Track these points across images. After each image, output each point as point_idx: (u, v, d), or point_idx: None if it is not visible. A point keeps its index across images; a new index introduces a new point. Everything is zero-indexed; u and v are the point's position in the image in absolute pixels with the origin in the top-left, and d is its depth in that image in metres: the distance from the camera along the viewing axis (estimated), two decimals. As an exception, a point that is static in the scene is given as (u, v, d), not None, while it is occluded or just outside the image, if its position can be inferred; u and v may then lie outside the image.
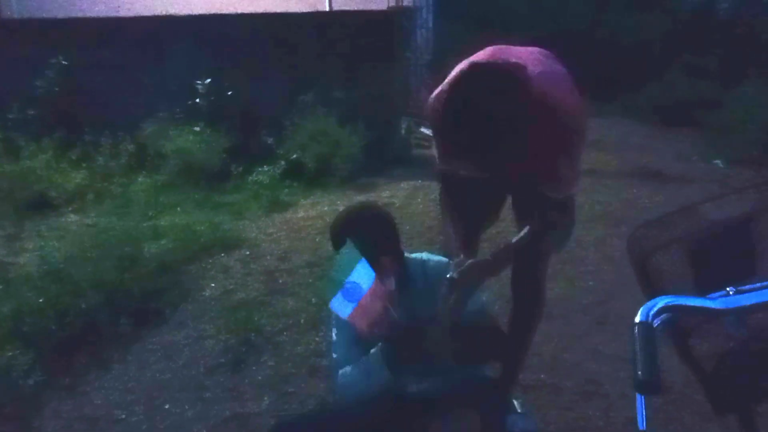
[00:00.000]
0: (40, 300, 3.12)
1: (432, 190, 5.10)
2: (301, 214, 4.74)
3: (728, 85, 7.19)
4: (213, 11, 6.30)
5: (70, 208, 4.98)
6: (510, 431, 1.74)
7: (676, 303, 0.91)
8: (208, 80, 5.93)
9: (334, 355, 1.67)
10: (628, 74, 8.14)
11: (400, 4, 6.45)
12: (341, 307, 1.48)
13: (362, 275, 1.48)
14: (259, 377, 2.68)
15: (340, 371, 1.62)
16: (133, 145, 5.77)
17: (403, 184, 5.35)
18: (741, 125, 5.97)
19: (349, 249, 1.49)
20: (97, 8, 6.82)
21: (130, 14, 6.45)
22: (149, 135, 5.81)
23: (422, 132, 6.49)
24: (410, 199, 4.98)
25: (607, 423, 2.25)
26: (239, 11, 6.25)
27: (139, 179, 5.46)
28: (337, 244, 1.59)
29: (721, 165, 5.70)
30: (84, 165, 5.61)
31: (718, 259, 1.04)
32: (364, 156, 5.54)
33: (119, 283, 3.33)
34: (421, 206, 4.77)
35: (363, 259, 1.48)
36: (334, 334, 1.68)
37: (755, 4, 9.04)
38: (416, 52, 7.37)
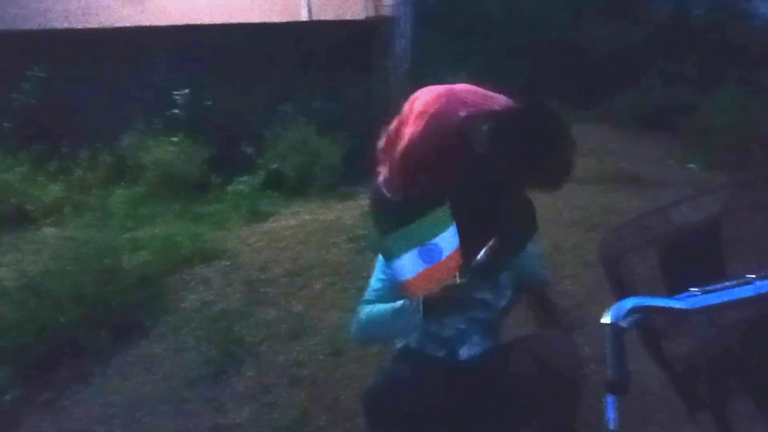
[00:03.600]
0: (18, 314, 3.08)
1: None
2: (281, 223, 4.73)
3: (703, 90, 7.33)
4: (191, 22, 6.28)
5: (47, 221, 4.92)
6: None
7: (644, 304, 0.94)
8: (187, 91, 5.91)
9: (368, 295, 1.75)
10: (605, 81, 8.26)
11: (379, 13, 6.48)
12: (411, 263, 1.49)
13: (447, 241, 1.50)
14: (240, 388, 2.66)
15: (368, 307, 1.70)
16: (111, 157, 5.72)
17: (384, 193, 5.36)
18: (715, 129, 6.09)
19: (443, 212, 1.51)
20: (74, 20, 6.78)
21: (108, 26, 6.41)
22: (127, 146, 5.76)
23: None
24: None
25: (582, 425, 2.27)
26: (217, 22, 6.23)
27: (118, 191, 5.41)
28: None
29: (695, 169, 5.80)
30: (62, 177, 5.54)
31: (688, 260, 1.07)
32: (345, 165, 5.54)
33: (99, 296, 3.29)
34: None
35: (454, 225, 1.51)
36: (376, 279, 1.76)
37: (728, 10, 9.26)
38: (395, 61, 7.41)
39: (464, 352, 1.80)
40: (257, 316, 3.26)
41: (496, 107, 1.75)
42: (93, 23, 6.35)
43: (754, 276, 0.93)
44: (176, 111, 5.90)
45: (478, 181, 1.66)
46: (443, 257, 1.50)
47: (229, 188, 5.45)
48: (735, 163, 5.50)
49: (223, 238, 4.44)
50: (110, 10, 6.41)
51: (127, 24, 6.31)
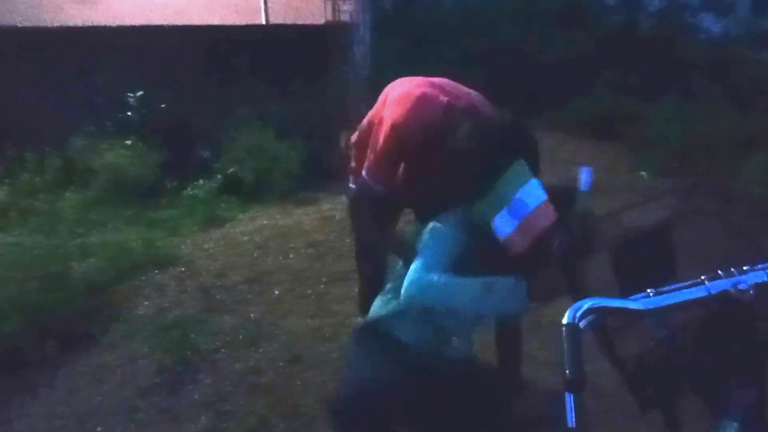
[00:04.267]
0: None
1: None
2: (239, 228, 4.66)
3: (649, 100, 7.58)
4: (146, 23, 6.14)
5: (-9, 227, 4.72)
6: None
7: (600, 305, 0.95)
8: (141, 93, 5.77)
9: (434, 264, 1.59)
10: (554, 89, 8.44)
11: (338, 19, 6.48)
12: (504, 223, 1.50)
13: (531, 195, 1.51)
14: (196, 396, 2.61)
15: (445, 275, 1.56)
16: (60, 160, 5.53)
17: (343, 198, 5.34)
18: (661, 138, 6.31)
19: (519, 166, 1.52)
20: (19, 18, 6.54)
21: (56, 24, 6.20)
22: (77, 150, 5.58)
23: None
24: (349, 213, 4.99)
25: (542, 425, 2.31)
26: (172, 23, 6.12)
27: (67, 195, 5.24)
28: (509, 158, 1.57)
29: (646, 177, 5.99)
30: (7, 181, 5.33)
31: (640, 262, 1.10)
32: (303, 170, 5.51)
33: (44, 304, 3.17)
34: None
35: (535, 179, 1.52)
36: (430, 244, 1.64)
37: (675, 23, 9.61)
38: (353, 67, 7.42)
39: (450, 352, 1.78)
40: (214, 324, 3.20)
41: (475, 104, 1.78)
42: (40, 21, 6.15)
43: (704, 277, 0.96)
44: (129, 114, 5.75)
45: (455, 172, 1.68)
46: (530, 211, 1.51)
47: (185, 193, 5.33)
48: (681, 171, 5.71)
49: (178, 244, 4.34)
50: (59, 9, 6.22)
51: (78, 23, 6.13)
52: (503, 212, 1.52)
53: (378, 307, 1.77)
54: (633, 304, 0.96)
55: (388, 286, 1.77)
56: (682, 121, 6.51)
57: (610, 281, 1.12)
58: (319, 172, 5.71)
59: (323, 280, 3.71)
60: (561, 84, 8.55)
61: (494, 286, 1.56)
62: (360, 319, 1.74)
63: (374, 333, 1.76)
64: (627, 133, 7.14)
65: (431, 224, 1.67)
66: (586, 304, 0.94)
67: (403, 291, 1.58)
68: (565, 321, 0.93)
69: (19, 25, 6.13)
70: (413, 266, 1.59)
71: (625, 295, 1.02)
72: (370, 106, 2.10)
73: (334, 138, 6.32)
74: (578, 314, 0.93)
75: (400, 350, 1.72)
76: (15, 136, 5.63)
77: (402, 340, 1.72)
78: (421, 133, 1.79)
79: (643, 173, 6.05)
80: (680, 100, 7.18)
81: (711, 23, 9.77)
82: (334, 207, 5.12)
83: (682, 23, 9.68)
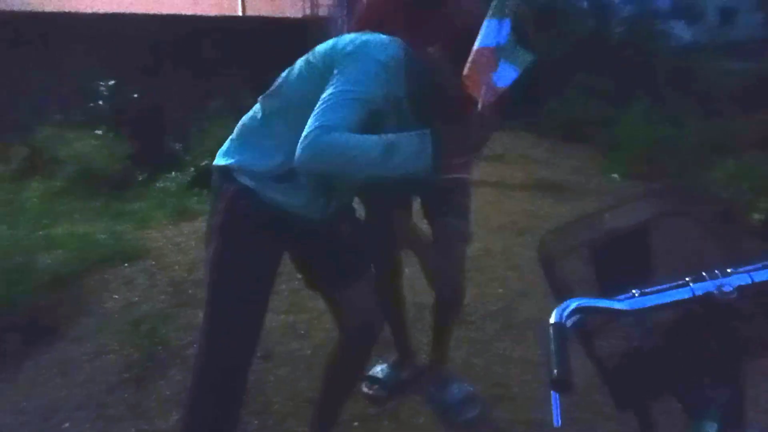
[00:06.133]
0: None
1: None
2: (210, 223, 4.58)
3: (619, 104, 7.73)
4: (118, 10, 6.01)
5: (-49, 217, 4.56)
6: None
7: (587, 305, 0.96)
8: (112, 82, 5.65)
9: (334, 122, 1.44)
10: (528, 91, 8.55)
11: (316, 14, 6.44)
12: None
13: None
14: (166, 392, 2.55)
15: (344, 133, 1.43)
16: (25, 149, 5.38)
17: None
18: (631, 142, 6.43)
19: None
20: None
21: (22, 9, 6.02)
22: (44, 138, 5.43)
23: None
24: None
25: (515, 423, 2.33)
26: (145, 11, 6.00)
27: (32, 185, 5.09)
28: None
29: (617, 179, 6.10)
30: (-32, 170, 5.17)
31: (620, 263, 1.11)
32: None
33: (6, 296, 3.07)
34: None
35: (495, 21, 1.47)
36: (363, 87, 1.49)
37: (645, 29, 9.80)
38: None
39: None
40: (184, 318, 3.14)
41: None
42: (5, 5, 5.97)
43: (689, 279, 0.97)
44: (100, 103, 5.62)
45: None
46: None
47: (156, 185, 5.24)
48: (650, 174, 5.83)
49: (147, 237, 4.26)
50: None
51: (48, 9, 5.97)
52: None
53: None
54: (619, 304, 0.97)
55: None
56: (652, 125, 6.64)
57: (589, 281, 1.13)
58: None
59: (296, 275, 3.67)
60: (533, 86, 8.65)
61: (398, 145, 1.45)
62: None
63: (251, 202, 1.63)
64: (598, 136, 7.27)
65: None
66: (573, 303, 0.95)
67: (298, 153, 1.44)
68: (552, 320, 0.93)
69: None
70: (311, 124, 1.44)
71: (605, 295, 1.03)
72: None
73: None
74: (565, 313, 0.94)
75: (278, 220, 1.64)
76: (-22, 123, 5.46)
77: (282, 205, 1.63)
78: None
79: (615, 175, 6.16)
80: (650, 105, 7.32)
81: (681, 30, 9.99)
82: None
83: (653, 30, 9.88)
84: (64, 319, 3.15)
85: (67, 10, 5.99)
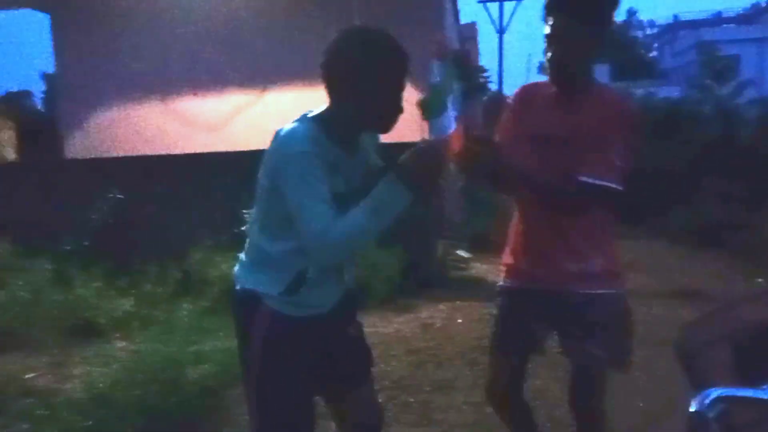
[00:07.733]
0: (86, 424, 3.15)
1: (471, 310, 5.11)
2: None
3: (752, 209, 7.34)
4: (256, 147, 6.75)
5: (116, 335, 5.10)
6: None
7: (729, 394, 0.94)
8: (253, 210, 6.22)
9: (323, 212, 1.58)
10: (654, 198, 8.32)
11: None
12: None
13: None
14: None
15: (340, 219, 1.57)
16: (179, 272, 5.98)
17: (442, 306, 5.38)
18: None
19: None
20: (150, 146, 7.43)
21: (181, 152, 6.99)
22: (195, 262, 6.03)
23: (458, 254, 6.60)
24: (449, 320, 5.00)
25: None
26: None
27: (184, 305, 5.59)
28: None
29: (764, 284, 5.64)
30: (132, 292, 5.79)
31: (763, 353, 1.08)
32: (402, 277, 5.64)
33: (162, 406, 3.34)
34: (461, 327, 4.78)
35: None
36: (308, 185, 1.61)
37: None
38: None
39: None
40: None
41: None
42: (169, 150, 6.95)
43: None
44: (243, 229, 6.19)
45: None
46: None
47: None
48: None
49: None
50: (187, 138, 7.01)
51: (199, 150, 6.87)
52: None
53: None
54: (765, 394, 0.94)
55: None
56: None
57: (734, 372, 1.10)
58: (416, 280, 5.82)
59: (425, 388, 3.68)
60: (660, 193, 8.43)
61: (378, 201, 1.58)
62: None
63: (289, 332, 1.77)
64: (734, 240, 6.86)
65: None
66: (715, 393, 0.93)
67: (314, 262, 1.68)
68: (692, 409, 0.92)
69: (151, 153, 6.96)
70: (306, 231, 1.60)
71: (749, 386, 1.00)
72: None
73: (432, 246, 6.46)
74: (706, 403, 0.92)
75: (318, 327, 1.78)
76: (142, 250, 6.20)
77: (317, 308, 1.79)
78: None
79: (761, 280, 5.69)
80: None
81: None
82: (433, 314, 5.14)
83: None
84: (212, 426, 3.35)
85: (212, 151, 6.85)
